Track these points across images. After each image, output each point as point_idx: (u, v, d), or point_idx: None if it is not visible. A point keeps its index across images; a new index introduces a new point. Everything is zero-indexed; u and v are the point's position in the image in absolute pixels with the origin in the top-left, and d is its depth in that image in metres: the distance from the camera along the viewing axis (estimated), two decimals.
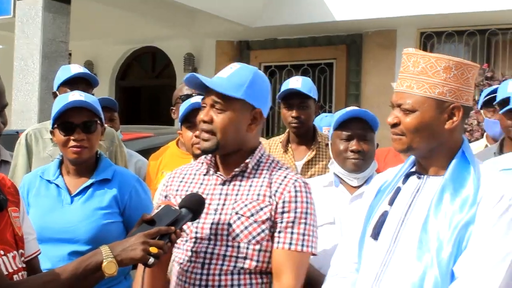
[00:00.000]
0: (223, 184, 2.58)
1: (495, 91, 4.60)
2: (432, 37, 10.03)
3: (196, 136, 2.74)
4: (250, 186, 2.56)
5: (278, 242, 2.51)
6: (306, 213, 2.54)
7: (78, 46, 10.54)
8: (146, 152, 4.72)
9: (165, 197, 2.71)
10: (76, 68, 4.18)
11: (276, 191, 2.53)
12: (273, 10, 9.90)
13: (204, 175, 2.64)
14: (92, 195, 3.07)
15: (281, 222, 2.51)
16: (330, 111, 9.73)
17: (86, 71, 4.23)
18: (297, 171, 4.15)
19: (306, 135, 4.32)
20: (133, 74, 12.72)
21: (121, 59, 12.43)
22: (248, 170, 2.58)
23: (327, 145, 4.08)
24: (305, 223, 2.53)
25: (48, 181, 3.12)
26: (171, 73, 11.87)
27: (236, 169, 2.57)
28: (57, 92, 4.12)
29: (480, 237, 2.16)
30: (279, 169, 2.60)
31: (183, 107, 3.44)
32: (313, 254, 2.55)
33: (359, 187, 3.21)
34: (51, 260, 2.82)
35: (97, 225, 3.00)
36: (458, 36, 9.86)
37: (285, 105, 4.33)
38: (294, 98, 4.26)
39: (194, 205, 2.44)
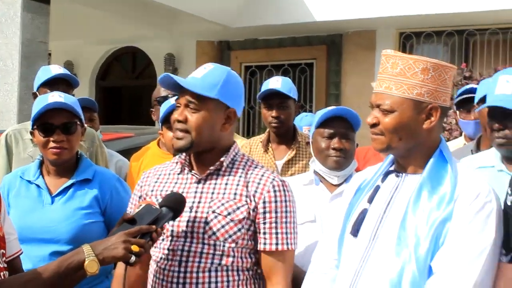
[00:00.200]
0: (198, 182, 2.61)
1: (468, 91, 4.69)
2: (411, 38, 10.10)
3: None
4: (226, 184, 2.59)
5: (265, 244, 2.57)
6: (287, 211, 2.59)
7: (58, 46, 10.49)
8: (127, 152, 4.70)
9: (140, 197, 2.72)
10: (56, 69, 4.17)
11: (256, 191, 2.57)
12: (253, 10, 9.91)
13: (179, 174, 2.67)
14: (73, 195, 3.09)
15: (264, 223, 2.56)
16: (310, 111, 9.76)
17: (66, 71, 4.23)
18: (277, 171, 4.19)
19: (286, 135, 4.36)
20: (113, 74, 12.67)
21: (101, 59, 12.38)
22: (223, 169, 2.61)
23: (307, 143, 4.11)
24: (287, 222, 2.58)
25: (29, 181, 3.13)
26: (152, 73, 11.84)
27: (211, 168, 2.60)
28: (37, 93, 4.11)
29: (457, 233, 2.20)
30: (255, 167, 2.64)
31: (163, 108, 3.44)
32: None
33: (339, 185, 3.26)
34: (32, 260, 2.82)
35: (78, 225, 3.01)
36: (437, 37, 9.94)
37: (265, 105, 4.36)
38: (274, 98, 4.30)
39: (175, 204, 2.47)
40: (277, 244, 2.56)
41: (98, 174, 3.18)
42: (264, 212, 2.55)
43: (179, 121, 2.54)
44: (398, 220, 2.29)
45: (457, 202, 2.24)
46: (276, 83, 4.41)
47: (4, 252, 2.21)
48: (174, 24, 10.35)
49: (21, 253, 2.47)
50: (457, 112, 4.83)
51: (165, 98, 3.89)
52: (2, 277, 2.14)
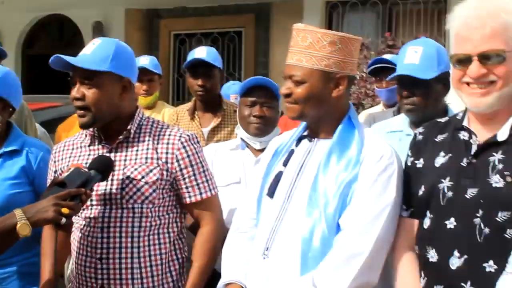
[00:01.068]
0: (110, 152, 2.67)
1: (378, 61, 4.88)
2: (337, 7, 10.08)
3: None
4: (137, 150, 2.66)
5: (190, 197, 2.67)
6: (201, 162, 2.70)
7: None
8: (57, 122, 4.70)
9: (55, 172, 2.75)
10: None
11: (167, 152, 2.65)
12: None
13: (89, 146, 2.71)
14: (1, 166, 3.12)
15: (184, 179, 2.66)
16: (239, 79, 9.79)
17: None
18: (203, 137, 4.31)
19: (211, 103, 4.44)
20: (40, 42, 12.39)
21: (27, 27, 12.04)
22: (132, 136, 2.67)
23: (235, 111, 4.23)
24: (204, 171, 2.70)
25: None
26: (80, 42, 11.61)
27: (120, 137, 2.66)
28: None
29: (361, 193, 2.33)
30: (161, 128, 2.72)
31: None
32: None
33: (263, 150, 3.39)
34: None
35: (5, 194, 3.06)
36: (361, 6, 9.93)
37: (191, 74, 4.43)
38: (200, 67, 4.38)
39: (103, 166, 2.54)
40: (201, 193, 2.69)
41: (27, 144, 3.20)
42: (181, 169, 2.65)
43: (77, 99, 2.59)
44: (310, 182, 2.40)
45: (363, 164, 2.36)
46: (202, 52, 4.50)
47: None
48: None
49: None
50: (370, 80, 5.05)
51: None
52: None
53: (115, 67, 2.61)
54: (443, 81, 3.13)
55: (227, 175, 3.38)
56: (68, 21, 11.87)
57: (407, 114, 3.21)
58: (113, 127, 2.68)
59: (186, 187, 2.68)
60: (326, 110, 2.47)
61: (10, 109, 3.20)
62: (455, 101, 2.66)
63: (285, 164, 2.53)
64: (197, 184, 2.69)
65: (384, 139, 2.66)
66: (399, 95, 3.21)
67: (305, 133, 2.57)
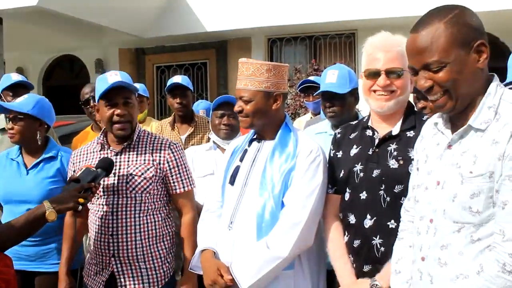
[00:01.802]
0: (116, 155, 2.64)
1: (307, 81, 4.91)
2: (276, 42, 10.10)
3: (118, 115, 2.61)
4: (137, 154, 2.64)
5: (176, 188, 2.67)
6: (183, 162, 2.70)
7: (10, 56, 10.00)
8: (72, 135, 4.65)
9: (74, 171, 2.72)
10: (15, 76, 4.09)
11: (159, 155, 2.64)
12: (161, 24, 9.73)
13: (100, 151, 2.69)
14: (42, 168, 3.12)
15: (171, 175, 2.66)
16: (207, 98, 9.82)
17: (24, 78, 4.14)
18: (181, 142, 4.30)
19: (186, 116, 4.43)
20: (56, 76, 12.20)
21: (45, 65, 11.85)
22: (133, 143, 2.66)
23: (206, 122, 4.26)
24: (186, 170, 2.70)
25: (12, 159, 3.16)
26: (86, 75, 11.51)
27: (125, 144, 2.64)
28: (1, 95, 4.03)
29: (298, 178, 2.35)
30: (154, 138, 2.71)
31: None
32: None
33: None
34: (15, 215, 2.82)
35: (46, 189, 3.05)
36: (294, 41, 9.97)
37: (171, 95, 4.43)
38: (177, 90, 4.39)
39: (106, 165, 2.52)
40: (184, 187, 2.69)
41: (60, 152, 3.20)
42: (170, 169, 2.66)
43: (120, 116, 2.59)
44: (260, 171, 2.42)
45: (298, 157, 2.38)
46: (178, 79, 4.50)
47: None
48: (101, 37, 10.05)
49: None
50: (301, 96, 5.08)
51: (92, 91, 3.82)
52: None
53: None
54: (354, 94, 3.16)
55: (203, 169, 3.38)
56: (76, 59, 11.71)
57: (329, 119, 3.24)
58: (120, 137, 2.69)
59: (173, 182, 2.69)
60: (269, 120, 2.47)
61: (46, 126, 3.20)
62: (364, 108, 2.70)
63: (241, 159, 2.53)
64: (181, 180, 2.70)
65: (314, 138, 2.69)
66: (323, 106, 3.22)
67: (255, 137, 2.58)
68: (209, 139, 3.67)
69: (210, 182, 3.15)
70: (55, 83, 12.11)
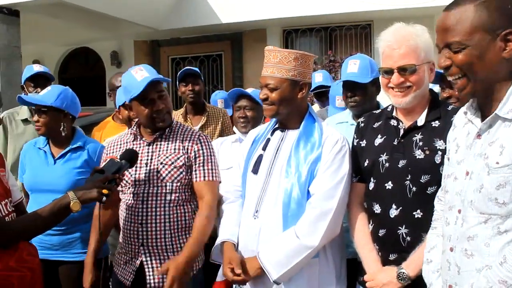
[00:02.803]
0: (148, 145, 2.65)
1: (319, 86, 4.92)
2: (291, 33, 10.10)
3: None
4: (168, 144, 2.64)
5: (197, 177, 2.62)
6: (210, 154, 2.67)
7: (27, 49, 10.08)
8: (90, 126, 4.69)
9: None
10: (37, 67, 4.11)
11: (188, 145, 2.63)
12: (176, 16, 9.75)
13: (133, 141, 2.69)
14: (69, 158, 3.12)
15: (196, 164, 2.63)
16: (222, 89, 9.84)
17: (46, 69, 4.16)
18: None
19: (198, 106, 4.42)
20: (72, 68, 12.27)
21: (62, 57, 11.94)
22: (164, 134, 2.66)
23: (221, 111, 4.26)
24: (211, 162, 2.66)
25: (39, 148, 3.17)
26: (101, 67, 11.57)
27: (157, 134, 2.65)
28: (24, 86, 4.06)
29: (324, 168, 2.35)
30: (185, 130, 2.71)
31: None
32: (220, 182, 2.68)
33: None
34: (41, 204, 2.83)
35: (72, 179, 3.04)
36: (309, 32, 9.97)
37: (183, 83, 4.43)
38: (189, 77, 4.39)
39: (130, 157, 2.52)
40: (205, 176, 2.63)
41: (88, 142, 3.21)
42: (196, 157, 2.64)
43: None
44: (285, 160, 2.40)
45: (324, 147, 2.38)
46: (191, 68, 4.54)
47: (11, 199, 2.23)
48: (117, 29, 10.10)
49: (22, 199, 2.48)
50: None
51: (119, 86, 3.90)
52: (12, 218, 2.16)
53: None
54: (375, 84, 3.13)
55: (229, 161, 3.35)
56: (92, 52, 11.78)
57: (351, 109, 3.21)
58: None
59: (195, 170, 2.65)
60: (294, 109, 2.46)
61: (70, 117, 3.19)
62: (385, 99, 2.70)
63: (264, 148, 2.52)
64: (204, 170, 2.65)
65: (335, 128, 2.67)
66: (345, 95, 3.19)
67: (277, 126, 2.56)
68: (221, 129, 3.67)
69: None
70: (70, 75, 12.19)
